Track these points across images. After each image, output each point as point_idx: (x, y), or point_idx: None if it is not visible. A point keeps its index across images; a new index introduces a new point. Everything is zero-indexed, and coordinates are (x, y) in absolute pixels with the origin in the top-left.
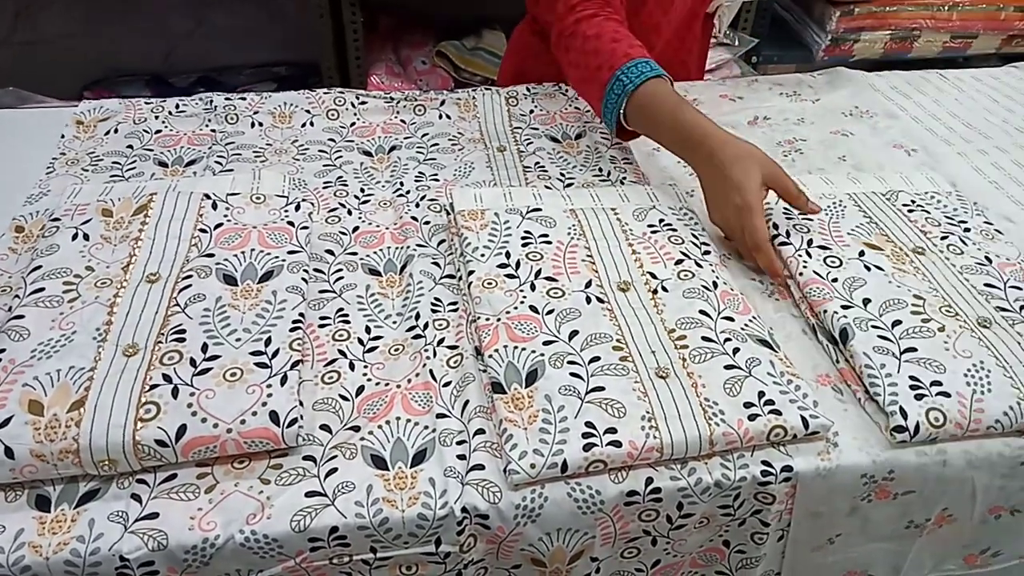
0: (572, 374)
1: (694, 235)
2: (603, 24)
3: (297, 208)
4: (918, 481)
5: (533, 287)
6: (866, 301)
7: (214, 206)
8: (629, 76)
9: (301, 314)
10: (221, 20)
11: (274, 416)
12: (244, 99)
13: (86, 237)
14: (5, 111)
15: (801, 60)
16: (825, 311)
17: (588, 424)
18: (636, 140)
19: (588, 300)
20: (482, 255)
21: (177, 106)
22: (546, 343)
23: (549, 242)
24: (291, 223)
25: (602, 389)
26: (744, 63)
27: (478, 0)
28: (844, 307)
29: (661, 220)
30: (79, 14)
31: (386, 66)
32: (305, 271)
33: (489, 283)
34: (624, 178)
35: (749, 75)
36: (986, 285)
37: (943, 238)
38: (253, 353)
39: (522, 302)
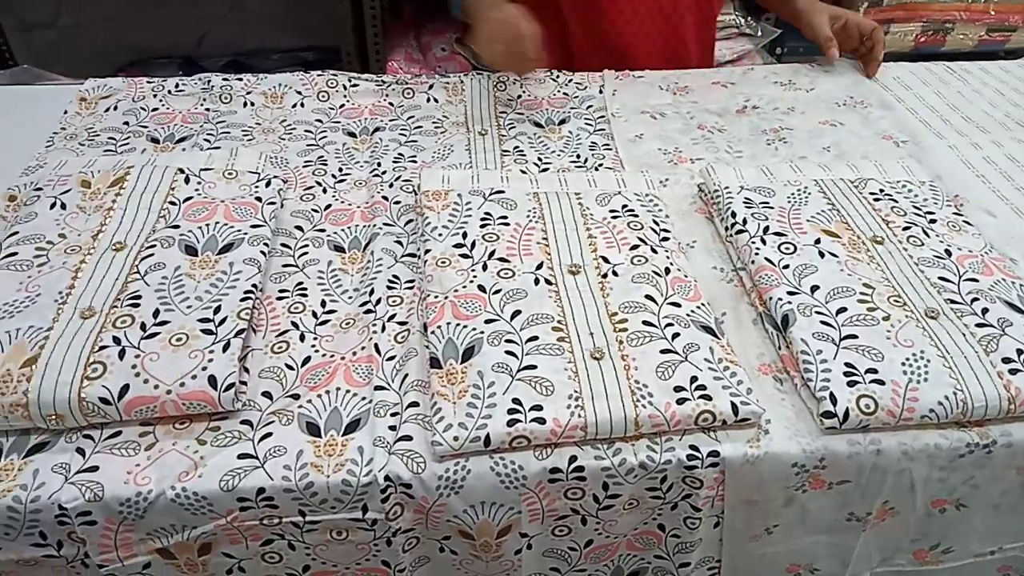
0: (507, 352)
1: (655, 221)
2: None
3: (268, 184)
4: (852, 471)
5: (485, 267)
6: (814, 288)
7: (187, 180)
8: None
9: (254, 285)
10: (253, 5)
11: (212, 380)
12: (240, 79)
13: (63, 206)
14: (16, 87)
15: None
16: (771, 298)
17: (515, 400)
18: (621, 126)
19: (536, 282)
20: (439, 234)
21: (177, 85)
22: (488, 321)
23: (507, 224)
24: (259, 198)
25: (534, 368)
26: (768, 54)
27: None
28: (790, 293)
29: (624, 206)
30: None
31: (406, 52)
32: (266, 244)
33: (443, 262)
34: (600, 164)
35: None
36: (940, 278)
37: (905, 228)
38: (201, 320)
39: (471, 281)
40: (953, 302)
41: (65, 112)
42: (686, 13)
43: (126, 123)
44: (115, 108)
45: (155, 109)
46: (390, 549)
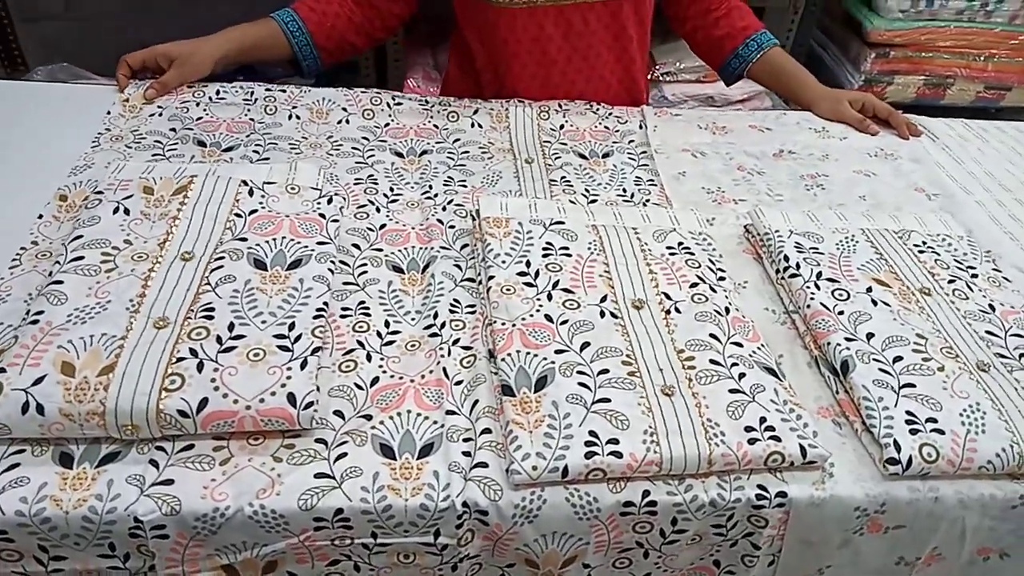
0: (580, 384)
1: (711, 260)
2: None
3: (329, 201)
4: (909, 516)
5: (550, 297)
6: (870, 335)
7: (251, 193)
8: None
9: (325, 303)
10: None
11: (291, 398)
12: (284, 91)
13: (127, 212)
14: (57, 85)
15: None
16: (828, 343)
17: (591, 433)
18: (664, 163)
19: (602, 314)
20: (503, 261)
21: (218, 92)
22: (558, 352)
23: (569, 255)
24: (322, 215)
25: (608, 401)
26: (776, 96)
27: None
28: (847, 339)
29: (680, 243)
30: None
31: (423, 71)
32: (332, 262)
33: (507, 289)
34: (647, 200)
35: (780, 108)
36: (987, 332)
37: (950, 281)
38: (276, 336)
39: (538, 310)
40: (1002, 356)
41: (108, 113)
42: (603, 50)
43: (172, 129)
44: (160, 114)
45: (199, 118)
46: (454, 574)
